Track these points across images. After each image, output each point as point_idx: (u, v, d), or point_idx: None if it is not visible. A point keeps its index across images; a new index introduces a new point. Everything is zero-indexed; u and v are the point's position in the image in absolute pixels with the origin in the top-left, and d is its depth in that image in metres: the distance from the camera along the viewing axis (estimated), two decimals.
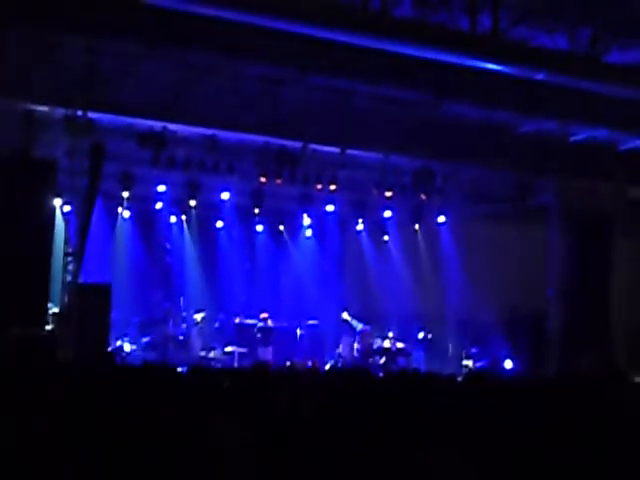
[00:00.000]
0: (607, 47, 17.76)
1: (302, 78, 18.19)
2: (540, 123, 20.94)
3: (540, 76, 17.88)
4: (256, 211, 24.89)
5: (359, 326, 24.71)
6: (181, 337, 24.04)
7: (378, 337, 24.97)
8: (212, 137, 20.45)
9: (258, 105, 19.11)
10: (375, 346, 24.85)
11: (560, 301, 23.14)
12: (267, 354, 23.91)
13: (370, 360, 24.49)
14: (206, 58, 17.42)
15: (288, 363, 22.99)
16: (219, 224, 26.72)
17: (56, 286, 19.41)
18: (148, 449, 6.94)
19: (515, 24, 17.17)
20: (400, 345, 24.90)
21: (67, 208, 20.55)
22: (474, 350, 25.25)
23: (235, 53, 16.94)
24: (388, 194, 23.31)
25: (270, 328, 24.68)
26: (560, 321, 23.11)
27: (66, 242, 19.60)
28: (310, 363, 23.30)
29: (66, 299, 19.14)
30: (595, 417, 8.77)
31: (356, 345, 24.62)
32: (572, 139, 22.08)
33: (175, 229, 26.31)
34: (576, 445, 7.74)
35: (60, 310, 19.19)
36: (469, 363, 25.12)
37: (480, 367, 24.80)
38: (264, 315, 24.83)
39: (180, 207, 25.06)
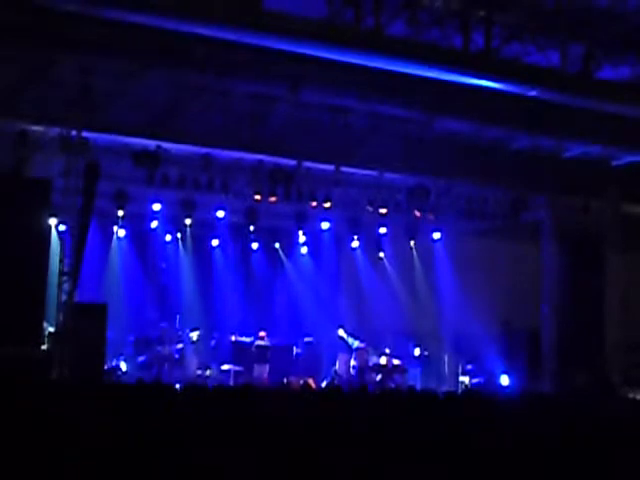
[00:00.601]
0: (599, 63, 17.83)
1: (295, 96, 18.24)
2: (533, 139, 21.00)
3: (533, 93, 17.95)
4: (251, 229, 24.87)
5: (355, 343, 24.67)
6: (177, 356, 23.97)
7: (374, 354, 24.94)
8: (206, 155, 20.50)
9: (251, 123, 19.19)
10: (371, 363, 24.82)
11: (554, 317, 23.16)
12: (263, 372, 23.88)
13: (366, 377, 24.46)
14: (199, 77, 17.48)
15: (285, 381, 23.00)
16: (214, 242, 26.71)
17: (52, 305, 19.40)
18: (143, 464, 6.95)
19: (508, 41, 17.25)
20: (396, 362, 24.86)
21: (62, 227, 20.57)
22: (470, 367, 25.23)
23: (227, 71, 16.99)
24: (383, 211, 23.33)
25: (266, 346, 24.67)
26: (555, 337, 23.14)
27: (61, 261, 19.58)
28: (307, 381, 23.27)
29: (61, 318, 19.12)
30: (589, 433, 8.79)
31: (352, 362, 24.58)
32: (565, 155, 22.16)
33: (170, 247, 26.27)
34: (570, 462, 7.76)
35: (56, 329, 19.17)
36: (466, 380, 25.08)
37: (477, 384, 24.78)
38: (262, 334, 24.86)
39: (175, 225, 25.03)
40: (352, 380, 23.89)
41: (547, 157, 21.86)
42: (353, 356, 24.64)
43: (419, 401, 11.97)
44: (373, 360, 24.86)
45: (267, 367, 24.08)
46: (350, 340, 24.86)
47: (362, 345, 24.63)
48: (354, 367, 24.52)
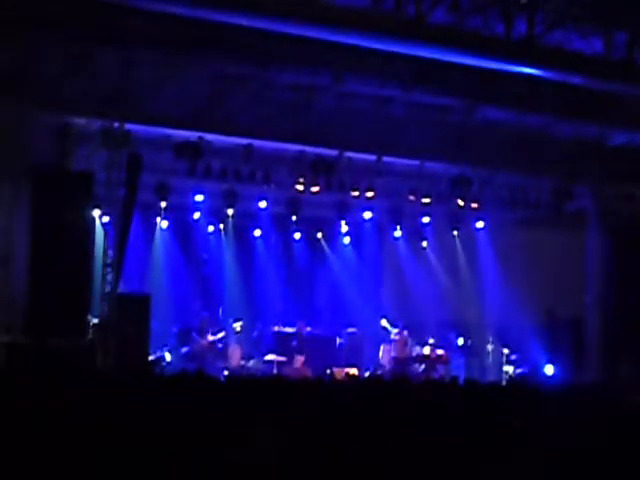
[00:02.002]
0: None
1: (336, 85, 18.20)
2: (577, 128, 20.79)
3: (576, 80, 17.78)
4: (293, 219, 24.88)
5: (393, 332, 24.63)
6: (220, 346, 24.06)
7: (417, 344, 24.90)
8: (248, 146, 20.50)
9: (293, 113, 19.17)
10: (414, 353, 24.78)
11: (598, 306, 22.95)
12: (298, 362, 23.93)
13: (409, 368, 24.42)
14: (240, 67, 17.48)
15: (328, 371, 23.00)
16: (257, 233, 26.74)
17: (96, 296, 19.54)
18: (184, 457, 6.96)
19: (550, 29, 17.07)
20: (440, 352, 24.80)
21: (105, 219, 20.67)
22: (514, 356, 25.10)
23: (269, 62, 16.98)
24: (425, 201, 23.24)
25: (303, 336, 24.74)
26: (599, 326, 22.93)
27: (105, 253, 19.71)
28: (349, 371, 23.28)
29: (106, 309, 19.24)
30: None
31: (392, 353, 24.54)
32: (609, 143, 21.93)
33: (213, 238, 26.34)
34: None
35: (100, 320, 19.29)
36: (510, 370, 24.97)
37: (521, 374, 24.66)
38: (301, 324, 24.94)
39: (217, 216, 25.10)
40: (394, 370, 23.85)
41: (591, 145, 21.65)
42: (393, 346, 24.60)
43: (462, 392, 11.92)
44: (416, 350, 24.82)
45: (303, 358, 24.08)
46: (392, 330, 24.83)
47: (397, 337, 24.54)
48: (394, 357, 24.48)
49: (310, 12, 15.44)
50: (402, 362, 24.38)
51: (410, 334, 25.00)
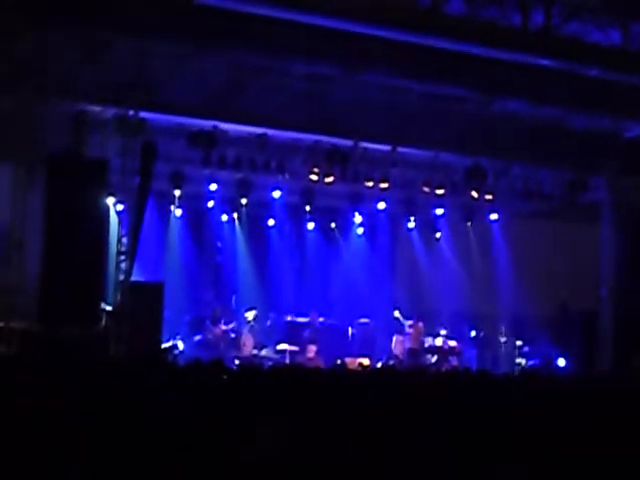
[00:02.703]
0: None
1: (352, 76, 18.17)
2: (593, 119, 20.72)
3: (593, 72, 17.71)
4: (307, 209, 24.86)
5: (407, 323, 24.65)
6: (233, 335, 24.09)
7: (430, 335, 24.91)
8: (262, 136, 20.49)
9: (308, 103, 19.15)
10: (427, 345, 24.78)
11: (612, 300, 22.88)
12: (311, 352, 23.96)
13: (422, 359, 24.44)
14: (255, 57, 17.46)
15: (339, 361, 22.99)
16: (270, 222, 26.72)
17: (110, 284, 19.58)
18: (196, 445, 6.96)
19: (568, 20, 17.00)
20: (452, 343, 24.80)
21: (120, 207, 20.69)
22: (526, 348, 25.09)
23: (284, 51, 16.95)
24: (439, 192, 23.18)
25: (316, 326, 24.77)
26: (612, 320, 22.85)
27: (119, 241, 19.73)
28: (361, 361, 23.28)
29: (119, 297, 19.28)
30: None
31: (407, 344, 24.56)
32: (625, 135, 21.84)
33: (226, 227, 26.34)
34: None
35: (113, 308, 19.33)
36: (522, 361, 24.97)
37: (533, 365, 24.64)
38: (314, 314, 24.98)
39: (231, 205, 25.11)
40: (408, 362, 23.87)
41: (607, 137, 21.58)
42: (405, 337, 24.61)
43: (476, 383, 11.89)
44: (428, 342, 24.83)
45: (315, 347, 24.10)
46: (407, 322, 24.86)
47: (411, 329, 24.54)
48: (406, 348, 24.51)
49: (326, 3, 15.42)
50: (416, 353, 24.40)
51: (422, 324, 25.01)
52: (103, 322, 19.15)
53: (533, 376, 15.62)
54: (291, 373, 11.69)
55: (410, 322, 24.58)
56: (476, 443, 7.65)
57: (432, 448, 7.46)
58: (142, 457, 6.75)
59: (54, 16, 15.46)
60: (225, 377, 9.97)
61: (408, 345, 24.50)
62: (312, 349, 24.04)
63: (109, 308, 19.51)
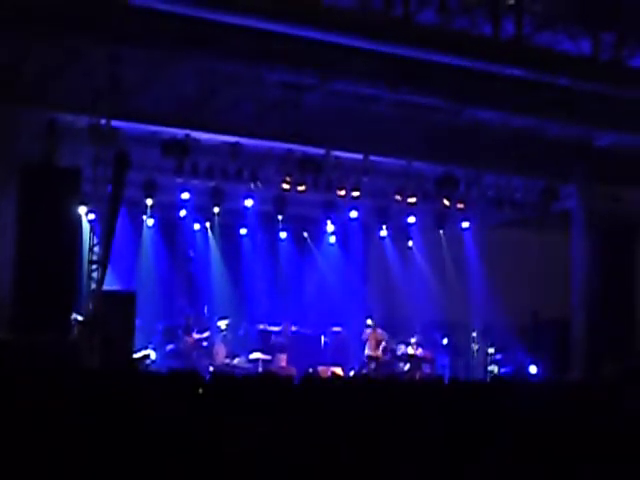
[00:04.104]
0: (631, 51, 17.67)
1: (324, 84, 18.20)
2: (564, 128, 20.84)
3: (564, 81, 17.82)
4: (279, 218, 24.88)
5: (367, 331, 24.58)
6: (205, 344, 24.06)
7: (402, 343, 24.95)
8: (235, 144, 20.50)
9: (280, 112, 19.19)
10: (399, 352, 24.82)
11: (584, 307, 23.00)
12: (282, 361, 23.99)
13: (395, 366, 24.49)
14: (228, 65, 17.46)
15: (311, 370, 23.01)
16: (243, 231, 26.75)
17: (82, 293, 19.51)
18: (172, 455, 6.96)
19: (539, 30, 17.11)
20: (424, 351, 24.85)
21: (92, 216, 20.63)
22: (499, 356, 25.19)
23: (256, 60, 16.95)
24: (411, 200, 23.26)
25: (287, 335, 24.82)
26: (584, 327, 22.97)
27: (91, 250, 19.66)
28: (334, 370, 23.29)
29: (91, 306, 19.20)
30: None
31: (366, 351, 24.49)
32: (595, 144, 21.99)
33: (199, 236, 26.34)
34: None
35: (85, 317, 19.25)
36: (494, 369, 25.07)
37: (505, 373, 24.75)
38: (286, 323, 25.02)
39: (204, 214, 25.09)
40: (369, 370, 23.89)
41: (577, 146, 21.73)
42: (366, 345, 24.57)
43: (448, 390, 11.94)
44: (401, 349, 24.87)
45: (285, 356, 24.14)
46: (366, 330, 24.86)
47: (365, 336, 24.54)
48: (366, 356, 24.49)
49: (298, 11, 15.44)
50: (376, 361, 24.31)
51: (394, 333, 25.06)
52: (75, 331, 19.08)
53: (505, 383, 15.68)
54: (263, 380, 11.69)
55: (369, 330, 24.51)
56: (450, 449, 7.69)
57: (404, 456, 7.50)
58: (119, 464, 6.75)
59: (26, 25, 15.40)
60: (201, 391, 9.95)
61: (369, 352, 24.42)
62: (283, 358, 24.07)
63: (81, 317, 19.44)
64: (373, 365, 24.22)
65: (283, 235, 27.06)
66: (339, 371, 23.36)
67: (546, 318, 24.82)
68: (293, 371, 22.51)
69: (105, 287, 19.53)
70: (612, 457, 7.89)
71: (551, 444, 7.83)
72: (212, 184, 22.30)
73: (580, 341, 22.91)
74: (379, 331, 24.61)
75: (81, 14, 15.12)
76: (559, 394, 12.06)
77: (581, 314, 22.98)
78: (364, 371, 24.07)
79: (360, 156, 21.63)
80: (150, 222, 24.75)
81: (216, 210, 23.95)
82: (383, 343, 24.65)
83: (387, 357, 24.85)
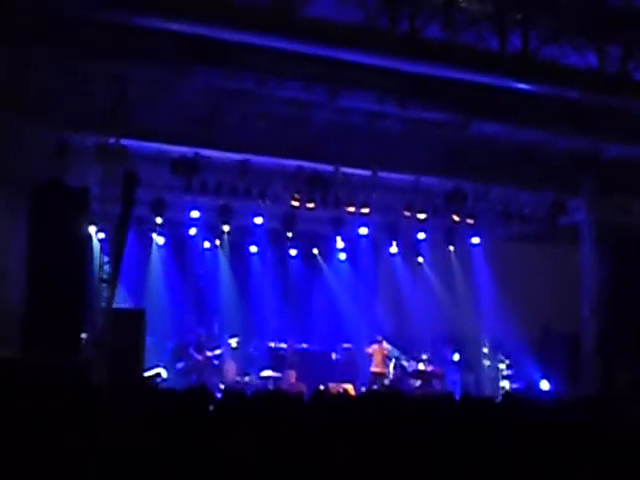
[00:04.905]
0: (638, 64, 17.68)
1: (332, 101, 18.23)
2: (572, 141, 20.83)
3: (571, 95, 17.83)
4: (289, 235, 24.88)
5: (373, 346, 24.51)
6: (216, 362, 24.05)
7: (413, 359, 24.91)
8: (243, 162, 20.54)
9: (289, 129, 19.20)
10: (410, 369, 24.77)
11: (595, 320, 22.93)
12: (291, 378, 23.98)
13: (405, 383, 24.42)
14: (236, 83, 17.50)
15: (322, 387, 22.96)
16: (252, 249, 26.76)
17: (92, 312, 19.52)
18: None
19: (545, 43, 17.13)
20: (435, 368, 24.80)
21: (101, 235, 20.68)
22: (510, 372, 25.13)
23: (264, 77, 17.00)
24: (421, 216, 23.24)
25: (294, 352, 24.82)
26: (595, 341, 22.89)
27: (101, 268, 19.69)
28: (345, 387, 23.23)
29: (100, 325, 19.21)
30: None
31: (371, 368, 24.40)
32: (603, 157, 21.96)
33: (209, 254, 26.36)
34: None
35: (94, 336, 19.25)
36: (506, 385, 25.00)
37: (516, 389, 24.67)
38: (292, 340, 25.04)
39: (213, 232, 25.12)
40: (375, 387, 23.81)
41: (585, 159, 21.71)
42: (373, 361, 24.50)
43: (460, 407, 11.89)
44: (412, 366, 24.82)
45: (294, 373, 24.14)
46: (389, 346, 24.84)
47: (370, 350, 24.45)
48: (371, 373, 24.42)
49: (305, 29, 15.50)
50: (381, 378, 24.20)
51: (405, 349, 25.03)
52: (85, 350, 19.09)
53: (517, 400, 15.62)
54: (273, 397, 11.67)
55: (375, 346, 24.43)
56: (460, 466, 7.67)
57: (416, 474, 7.48)
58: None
59: (35, 44, 15.48)
60: (212, 408, 9.95)
61: (374, 369, 24.32)
62: (292, 374, 24.05)
63: (91, 336, 19.44)
64: (379, 382, 24.10)
65: (293, 252, 27.08)
66: (350, 388, 23.30)
67: (557, 332, 24.77)
68: (303, 388, 22.47)
69: (115, 305, 19.57)
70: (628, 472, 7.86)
71: (565, 463, 7.80)
72: (221, 202, 22.33)
73: (591, 353, 22.83)
74: (385, 346, 24.55)
75: (89, 33, 15.19)
76: (572, 411, 12.02)
77: (592, 326, 22.90)
78: (374, 387, 23.97)
79: (369, 172, 21.63)
80: (160, 240, 24.81)
81: (226, 228, 23.98)
82: (393, 360, 24.62)
83: (397, 374, 24.82)
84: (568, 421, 10.36)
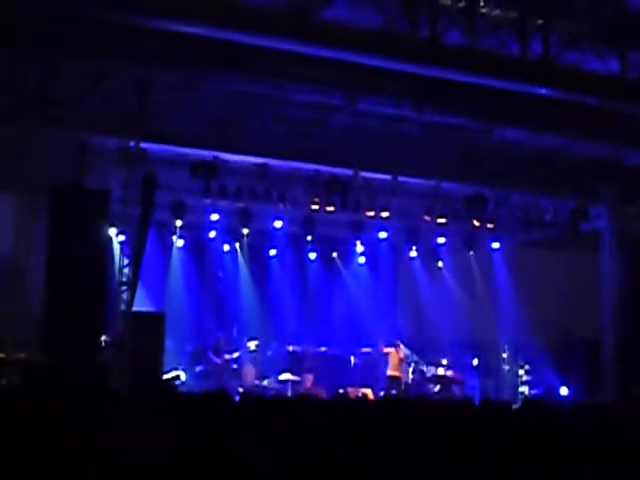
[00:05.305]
0: None
1: (351, 105, 18.25)
2: (593, 147, 20.76)
3: (592, 101, 17.77)
4: (308, 239, 24.89)
5: (388, 349, 24.40)
6: (234, 366, 24.07)
7: (431, 364, 24.86)
8: (263, 166, 20.58)
9: (308, 133, 19.22)
10: (429, 374, 24.71)
11: (614, 327, 22.84)
12: (308, 382, 23.98)
13: (423, 388, 24.37)
14: (255, 87, 17.55)
15: (341, 391, 22.94)
16: (272, 252, 26.78)
17: (112, 314, 19.58)
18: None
19: (566, 49, 17.07)
20: (454, 373, 24.73)
21: (121, 237, 20.75)
22: (529, 377, 25.06)
23: (284, 81, 17.03)
24: (441, 221, 23.20)
25: (311, 356, 24.81)
26: (615, 347, 22.80)
27: (120, 271, 19.75)
28: (364, 391, 23.20)
29: (120, 327, 19.27)
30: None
31: (387, 371, 24.33)
32: (626, 163, 21.88)
33: (228, 258, 26.39)
34: None
35: (114, 338, 19.31)
36: (525, 390, 24.94)
37: (536, 394, 24.60)
38: (308, 344, 25.05)
39: (233, 236, 25.15)
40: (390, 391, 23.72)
41: (607, 165, 21.64)
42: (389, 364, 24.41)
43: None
44: (431, 371, 24.77)
45: (311, 377, 24.14)
46: (408, 351, 24.79)
47: (387, 353, 24.33)
48: (387, 377, 24.31)
49: (324, 32, 15.51)
50: (397, 381, 24.08)
51: (424, 354, 24.97)
52: (105, 352, 19.15)
53: (536, 405, 15.57)
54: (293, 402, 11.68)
55: (391, 349, 24.31)
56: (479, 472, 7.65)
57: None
58: None
59: (57, 48, 15.55)
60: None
61: (390, 372, 24.21)
62: (309, 378, 24.04)
63: (111, 338, 19.51)
64: (397, 386, 24.01)
65: (312, 256, 27.08)
66: (369, 392, 23.27)
67: (577, 338, 24.67)
68: (322, 392, 22.47)
69: (135, 308, 19.63)
70: None
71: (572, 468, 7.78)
72: (241, 205, 22.34)
73: (611, 361, 22.75)
74: (402, 350, 24.47)
75: (109, 37, 15.24)
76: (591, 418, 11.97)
77: (612, 333, 22.82)
78: (392, 392, 23.89)
79: (388, 177, 21.62)
80: (180, 243, 24.86)
81: (245, 231, 23.99)
82: (412, 365, 24.57)
83: (416, 378, 24.77)
84: (579, 428, 10.32)
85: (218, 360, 23.78)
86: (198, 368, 23.72)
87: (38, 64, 16.48)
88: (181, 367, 22.89)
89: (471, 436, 8.85)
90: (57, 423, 8.10)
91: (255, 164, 20.58)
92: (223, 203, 21.73)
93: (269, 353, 25.52)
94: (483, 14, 16.44)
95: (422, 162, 20.79)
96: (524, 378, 25.21)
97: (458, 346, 26.15)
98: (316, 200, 21.72)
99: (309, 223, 23.85)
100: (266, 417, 9.83)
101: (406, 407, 11.37)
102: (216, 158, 19.79)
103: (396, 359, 24.19)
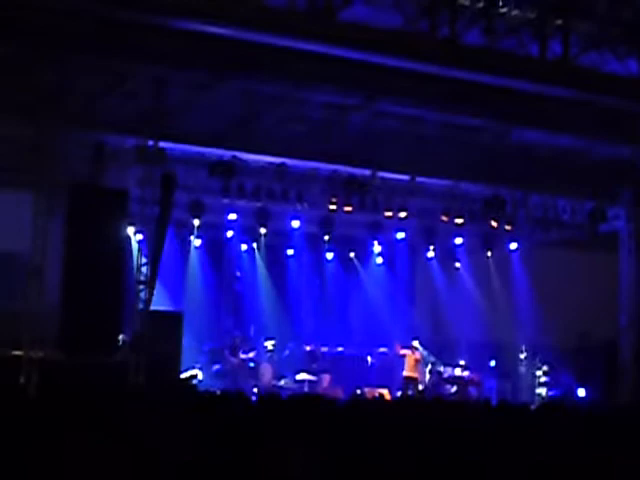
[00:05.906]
0: None
1: (370, 105, 18.23)
2: (612, 149, 20.69)
3: (611, 101, 17.70)
4: (326, 238, 24.87)
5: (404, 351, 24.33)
6: (251, 365, 24.09)
7: (448, 365, 24.83)
8: (281, 165, 20.59)
9: (326, 133, 19.22)
10: (446, 375, 24.68)
11: (633, 329, 22.76)
12: (325, 382, 23.98)
13: (440, 389, 24.34)
14: (274, 87, 17.55)
15: (358, 391, 22.95)
16: (289, 252, 26.78)
17: (129, 313, 19.62)
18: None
19: (585, 50, 17.02)
20: (471, 374, 24.69)
21: (139, 236, 20.78)
22: (547, 378, 24.99)
23: (302, 81, 17.02)
24: (459, 221, 23.17)
25: (326, 356, 24.82)
26: (633, 349, 22.72)
27: (138, 270, 19.79)
28: (381, 391, 23.19)
29: (138, 326, 19.31)
30: None
31: (404, 372, 24.28)
32: None
33: (246, 257, 26.41)
34: None
35: (132, 337, 19.35)
36: (542, 392, 24.87)
37: (553, 396, 24.54)
38: (317, 344, 25.05)
39: (250, 235, 25.15)
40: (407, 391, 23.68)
41: (626, 167, 21.55)
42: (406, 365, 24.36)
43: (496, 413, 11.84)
44: (448, 372, 24.74)
45: (328, 377, 24.16)
46: (424, 352, 24.75)
47: (402, 356, 24.25)
48: (403, 377, 24.26)
49: (343, 33, 15.49)
50: (413, 382, 24.01)
51: (441, 354, 24.93)
52: (122, 351, 19.20)
53: (554, 407, 15.53)
54: (309, 402, 11.67)
55: (407, 351, 24.24)
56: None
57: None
58: None
59: (75, 48, 15.59)
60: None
61: (406, 372, 24.13)
62: (326, 378, 24.04)
63: (128, 337, 19.55)
64: (414, 387, 23.97)
65: (329, 256, 27.06)
66: (386, 392, 23.25)
67: (595, 339, 24.60)
68: (339, 392, 22.47)
69: (152, 307, 19.66)
70: None
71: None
72: (258, 205, 22.35)
73: (629, 362, 22.67)
74: (419, 350, 24.41)
75: (128, 37, 15.27)
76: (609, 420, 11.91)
77: (630, 335, 22.74)
78: (409, 392, 23.86)
79: (406, 177, 21.60)
80: (197, 242, 24.90)
81: (263, 231, 24.00)
82: (429, 366, 24.53)
83: (433, 379, 24.74)
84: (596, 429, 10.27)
85: (234, 360, 23.80)
86: (215, 367, 23.74)
87: (57, 63, 16.50)
88: (198, 366, 22.92)
89: (488, 437, 8.83)
90: (75, 422, 8.11)
91: (273, 164, 20.61)
92: (241, 203, 21.73)
93: (286, 353, 25.53)
94: (502, 14, 16.39)
95: (440, 162, 20.77)
96: (542, 380, 25.13)
97: (475, 347, 26.10)
98: (334, 200, 21.72)
99: (327, 223, 23.84)
100: (283, 417, 9.83)
101: (422, 408, 11.35)
102: (234, 157, 19.83)
103: (412, 360, 24.15)
